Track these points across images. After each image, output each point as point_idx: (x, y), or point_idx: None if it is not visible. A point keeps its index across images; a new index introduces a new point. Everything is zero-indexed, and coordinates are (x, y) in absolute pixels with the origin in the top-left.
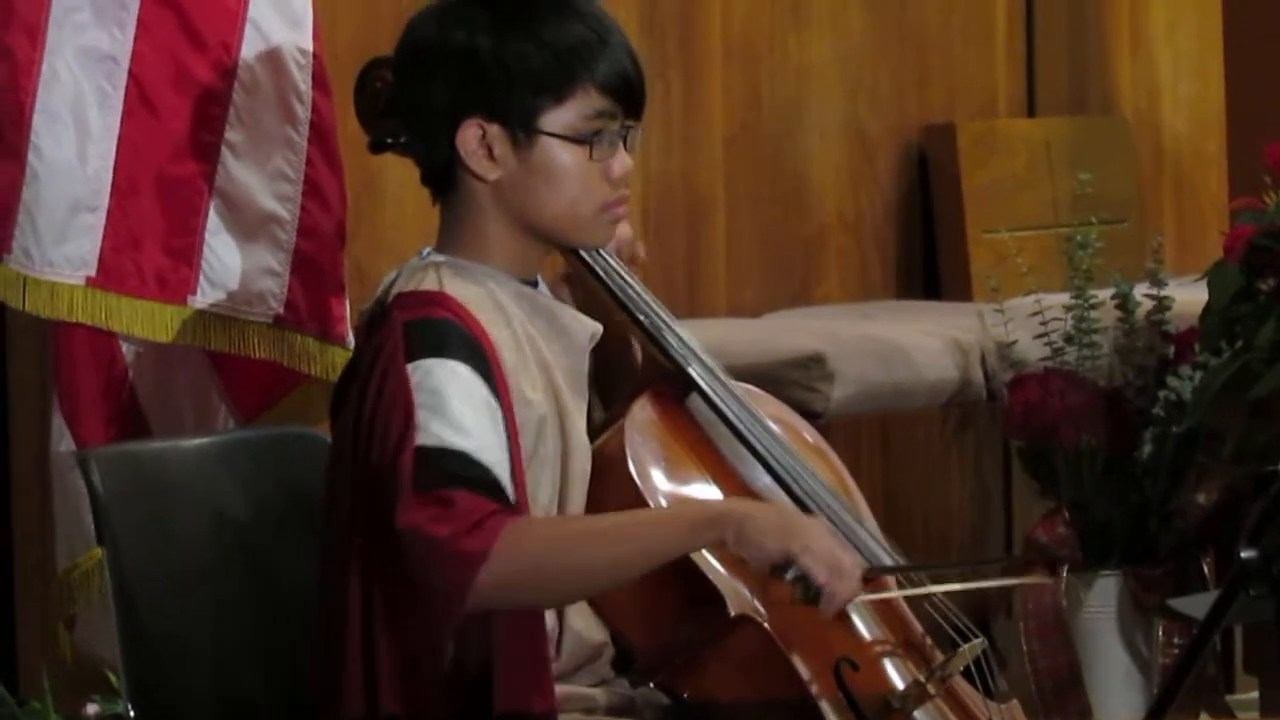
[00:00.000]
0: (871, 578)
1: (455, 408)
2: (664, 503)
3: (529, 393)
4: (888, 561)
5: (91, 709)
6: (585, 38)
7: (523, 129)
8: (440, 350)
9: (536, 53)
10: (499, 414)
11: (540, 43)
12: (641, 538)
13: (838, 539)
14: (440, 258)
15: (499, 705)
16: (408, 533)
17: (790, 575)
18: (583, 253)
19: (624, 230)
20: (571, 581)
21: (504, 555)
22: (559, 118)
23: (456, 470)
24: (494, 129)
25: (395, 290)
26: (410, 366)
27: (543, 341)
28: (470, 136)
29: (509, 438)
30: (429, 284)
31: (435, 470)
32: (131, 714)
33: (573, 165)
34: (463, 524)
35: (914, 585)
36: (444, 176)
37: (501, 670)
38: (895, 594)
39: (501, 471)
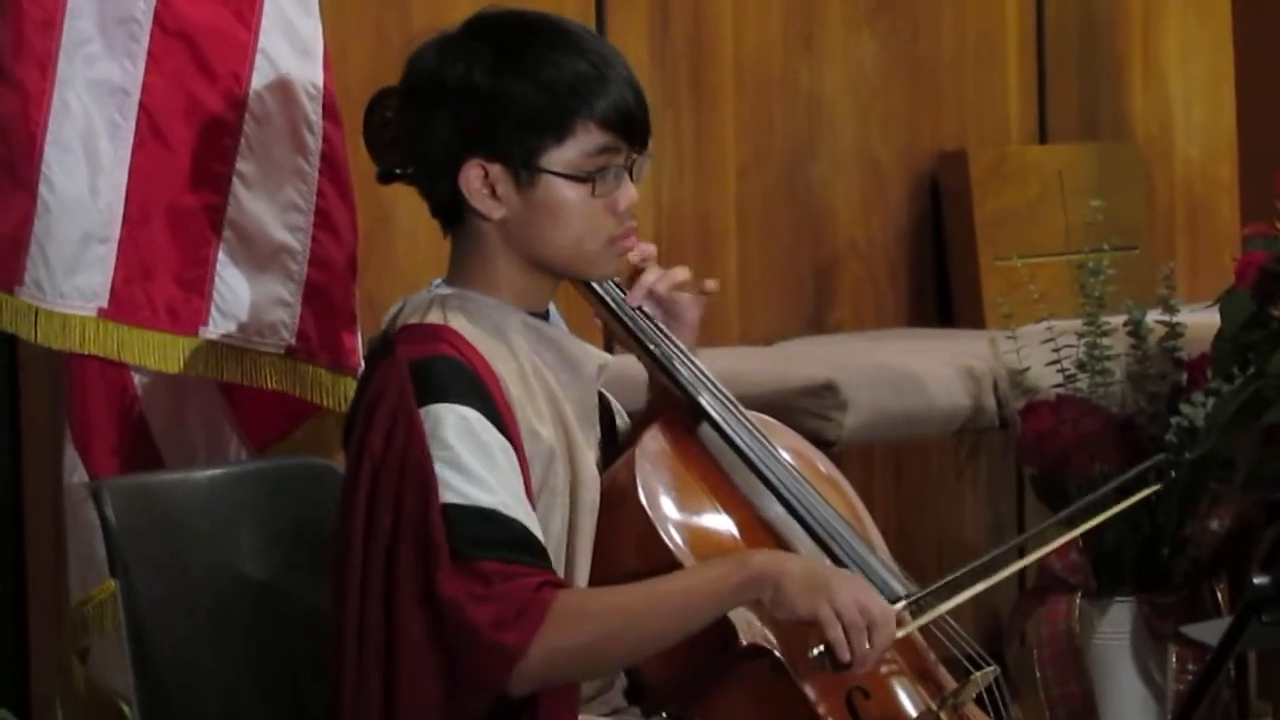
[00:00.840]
0: (912, 610)
1: (472, 459)
2: (675, 533)
3: (536, 425)
4: (901, 591)
5: None
6: (584, 74)
7: (525, 168)
8: (448, 394)
9: (535, 93)
10: (511, 454)
11: (539, 82)
12: (680, 609)
13: (868, 589)
14: (447, 290)
15: None
16: (447, 606)
17: (815, 653)
18: (594, 284)
19: (680, 273)
20: (611, 662)
21: (546, 641)
22: (561, 156)
23: (488, 534)
24: (496, 169)
25: (400, 322)
26: (422, 412)
27: (550, 373)
28: (473, 177)
29: (524, 475)
30: (433, 317)
31: (467, 535)
32: None
33: (576, 202)
34: (503, 611)
35: (941, 601)
36: (451, 212)
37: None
38: (923, 620)
39: (528, 521)
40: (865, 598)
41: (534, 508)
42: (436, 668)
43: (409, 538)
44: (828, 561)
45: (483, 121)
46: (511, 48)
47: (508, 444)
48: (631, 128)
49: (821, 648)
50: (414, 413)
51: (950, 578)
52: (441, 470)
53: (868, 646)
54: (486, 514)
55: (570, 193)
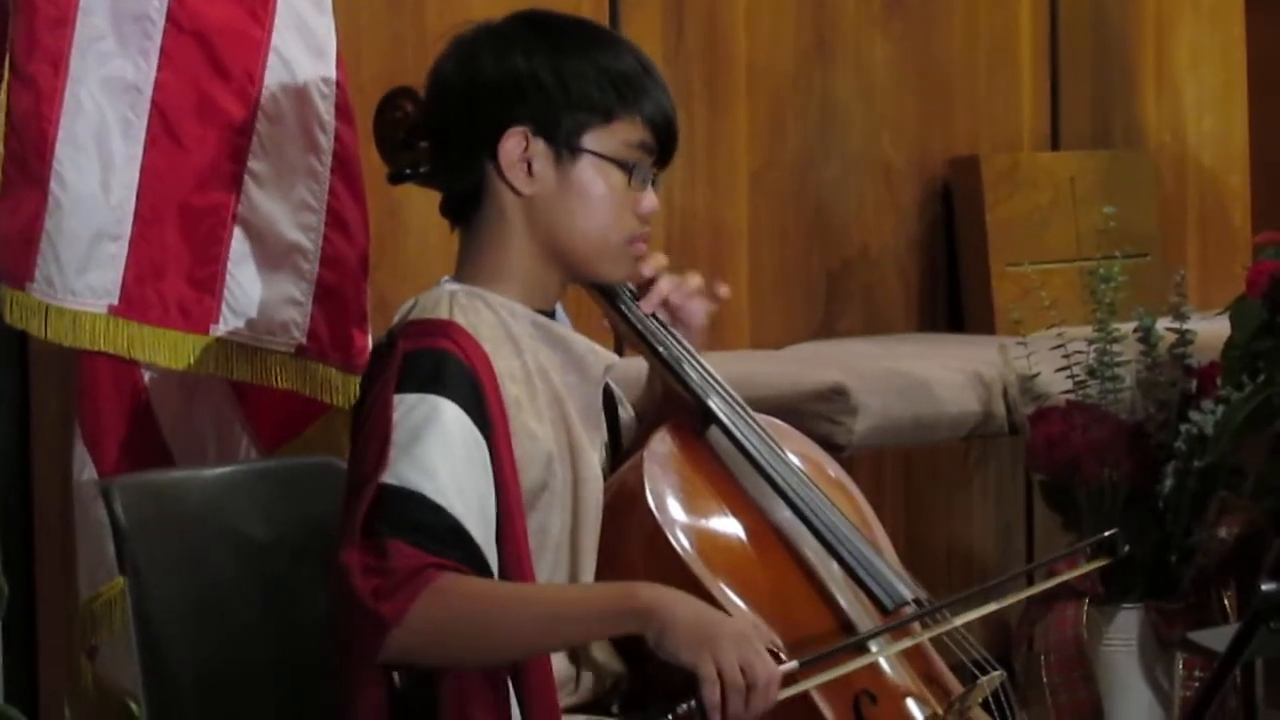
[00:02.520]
0: (805, 665)
1: (428, 448)
2: (682, 536)
3: (534, 426)
4: (908, 595)
5: None
6: (636, 72)
7: (567, 146)
8: (430, 385)
9: (593, 74)
10: (484, 454)
11: (597, 67)
12: (547, 619)
13: (756, 648)
14: (456, 286)
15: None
16: (340, 574)
17: (683, 709)
18: (605, 286)
19: (694, 280)
20: (481, 651)
21: (414, 624)
22: (604, 139)
23: (408, 515)
24: (538, 143)
25: (408, 319)
26: (397, 398)
27: (556, 372)
28: (513, 145)
29: (500, 475)
30: (441, 312)
31: (387, 514)
32: None
33: (609, 191)
34: (387, 582)
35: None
36: (471, 199)
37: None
38: (802, 686)
39: (461, 513)
40: (752, 657)
41: (530, 508)
42: (340, 648)
43: (344, 519)
44: (835, 567)
45: (536, 92)
46: (570, 33)
47: (483, 443)
48: (669, 136)
49: (693, 703)
50: (390, 399)
51: (878, 631)
52: (393, 453)
53: (744, 708)
54: (416, 499)
55: (605, 181)
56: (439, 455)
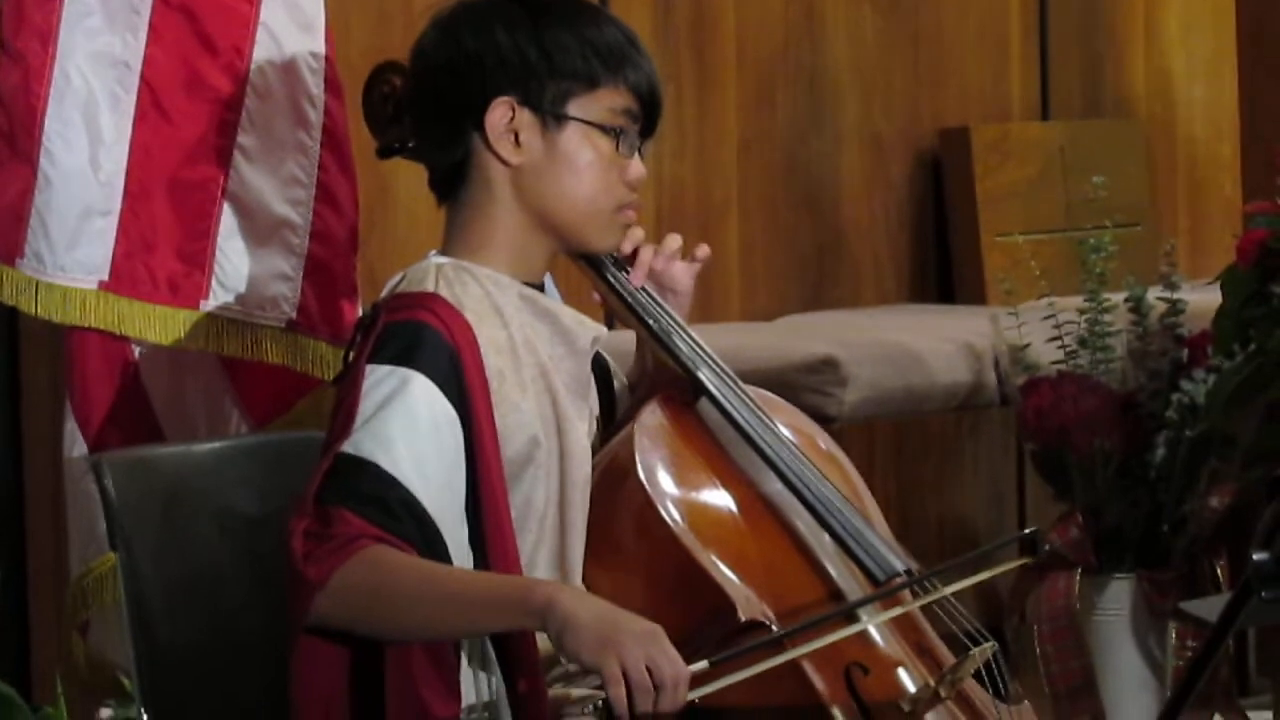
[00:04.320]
0: (716, 664)
1: (389, 420)
2: (673, 509)
3: (518, 398)
4: (900, 566)
5: (105, 714)
6: (621, 42)
7: (553, 114)
8: (403, 357)
9: (575, 44)
10: (455, 428)
11: (580, 37)
12: (461, 606)
13: (663, 647)
14: (443, 259)
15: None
16: (287, 539)
17: (589, 709)
18: (594, 258)
19: (672, 242)
20: (393, 628)
21: (338, 588)
22: (589, 106)
23: (359, 485)
24: (524, 113)
25: (395, 292)
26: (368, 369)
27: (543, 345)
28: (499, 117)
29: (477, 448)
30: (428, 285)
31: (339, 483)
32: (145, 718)
33: (596, 158)
34: (322, 547)
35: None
36: (458, 173)
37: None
38: (729, 679)
39: (421, 488)
40: (658, 656)
41: (514, 481)
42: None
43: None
44: (826, 539)
45: (518, 61)
46: (551, 7)
47: (454, 416)
48: (654, 103)
49: (599, 703)
50: (362, 369)
51: (842, 611)
52: (357, 423)
53: (652, 709)
54: (370, 469)
55: (592, 148)
56: (399, 427)
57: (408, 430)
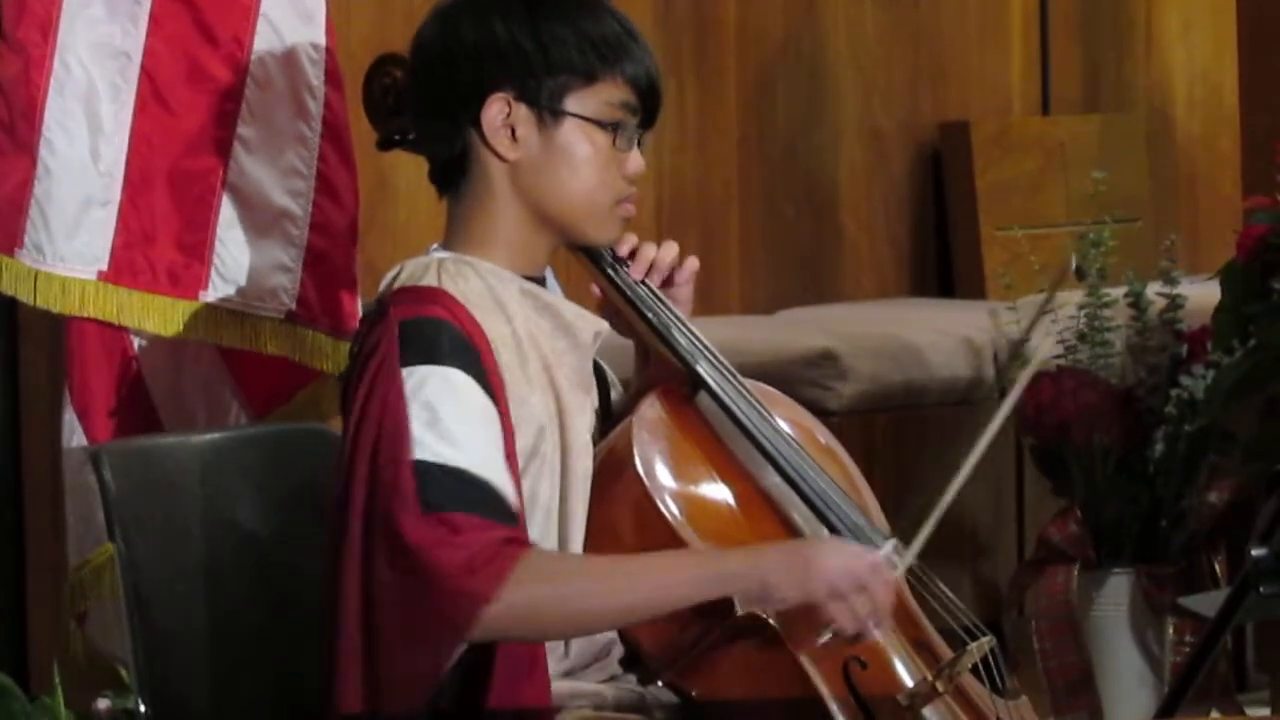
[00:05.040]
0: (905, 547)
1: (450, 421)
2: (671, 503)
3: (525, 392)
4: (895, 559)
5: (103, 704)
6: (618, 34)
7: (550, 110)
8: (435, 356)
9: (572, 38)
10: (495, 417)
11: (576, 30)
12: (650, 590)
13: (849, 549)
14: (445, 254)
15: (492, 702)
16: (415, 554)
17: (827, 635)
18: (593, 250)
19: (670, 251)
20: (577, 622)
21: (512, 593)
22: (586, 101)
23: (457, 491)
24: (520, 109)
25: (397, 286)
26: (405, 372)
27: (546, 339)
28: (496, 112)
29: (505, 440)
30: (429, 280)
31: (437, 489)
32: (143, 709)
33: (594, 153)
34: (471, 556)
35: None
36: (457, 166)
37: (498, 667)
38: (908, 560)
39: (501, 483)
40: (850, 561)
41: (522, 473)
42: (406, 625)
43: (380, 496)
44: (824, 533)
45: (516, 57)
46: (548, 2)
47: (492, 408)
48: (652, 98)
49: (830, 628)
50: (397, 372)
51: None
52: (417, 429)
53: (873, 604)
54: (456, 472)
55: (589, 142)
56: (460, 426)
57: (469, 427)
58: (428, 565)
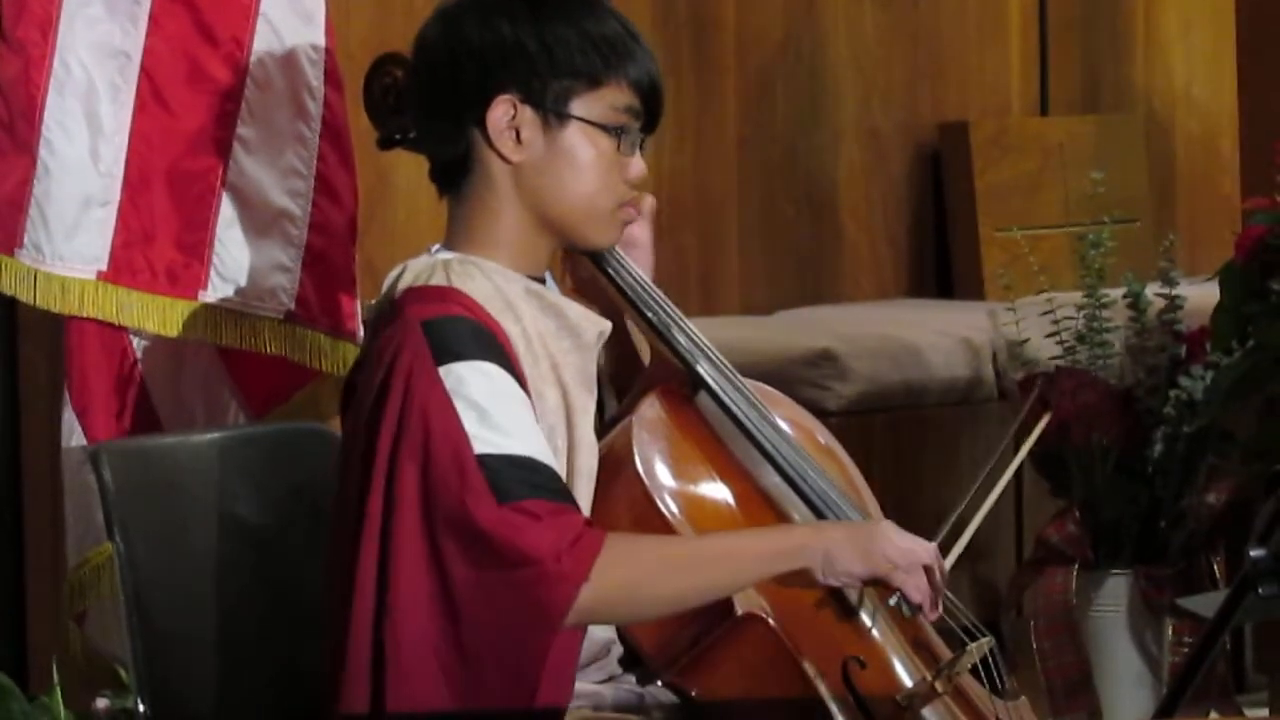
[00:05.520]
0: (950, 543)
1: (498, 413)
2: (670, 502)
3: (540, 387)
4: None
5: (102, 704)
6: (621, 36)
7: (555, 112)
8: (466, 352)
9: (577, 39)
10: (530, 406)
11: (581, 32)
12: (729, 566)
13: (904, 532)
14: (449, 254)
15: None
16: (501, 543)
17: (893, 601)
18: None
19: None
20: (662, 604)
21: (603, 575)
22: (591, 105)
23: (526, 478)
24: (526, 111)
25: (402, 286)
26: (442, 371)
27: (551, 339)
28: (501, 114)
29: None
30: (438, 279)
31: (507, 479)
32: (142, 709)
33: (598, 156)
34: (560, 539)
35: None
36: (459, 167)
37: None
38: (958, 551)
39: (555, 465)
40: (908, 542)
41: None
42: (498, 621)
43: (444, 495)
44: None
45: (522, 59)
46: (555, 1)
47: (526, 398)
48: (655, 100)
49: (895, 596)
50: (433, 372)
51: (974, 495)
52: (470, 425)
53: (929, 582)
54: (521, 461)
55: (593, 146)
56: (510, 417)
57: (516, 416)
58: (516, 553)
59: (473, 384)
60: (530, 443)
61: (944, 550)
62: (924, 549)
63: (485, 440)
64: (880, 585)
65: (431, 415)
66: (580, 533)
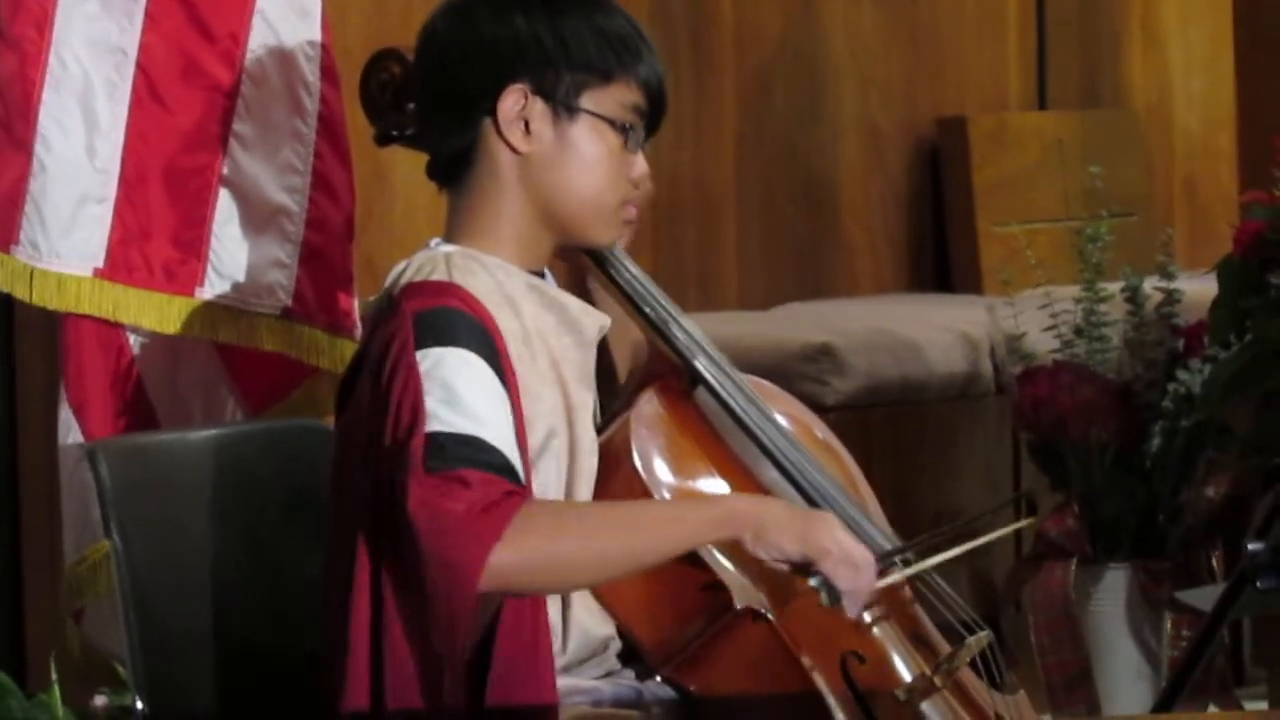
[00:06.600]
0: (884, 565)
1: (467, 396)
2: (668, 496)
3: (537, 387)
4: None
5: (100, 701)
6: (631, 35)
7: (565, 105)
8: (450, 339)
9: (591, 35)
10: (509, 404)
11: (594, 27)
12: (656, 529)
13: (850, 533)
14: (450, 248)
15: (492, 698)
16: (418, 511)
17: (814, 582)
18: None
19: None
20: (584, 568)
21: (519, 535)
22: (602, 100)
23: (469, 454)
24: (536, 103)
25: (404, 281)
26: (420, 354)
27: (552, 335)
28: (511, 104)
29: (517, 429)
30: (438, 275)
31: (447, 454)
32: (140, 706)
33: (606, 152)
34: (478, 501)
35: (919, 560)
36: (464, 159)
37: (498, 663)
38: (902, 575)
39: (515, 458)
40: (848, 540)
41: (532, 469)
42: (421, 594)
43: (394, 472)
44: None
45: (534, 50)
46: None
47: (505, 395)
48: (661, 100)
49: (819, 579)
50: (411, 355)
51: (937, 534)
52: (432, 404)
53: (855, 584)
54: (468, 439)
55: (601, 143)
56: (479, 402)
57: (486, 402)
58: (434, 517)
59: (448, 366)
60: (490, 429)
61: (884, 570)
62: (860, 551)
63: (442, 420)
64: (807, 570)
65: (403, 397)
66: (500, 498)
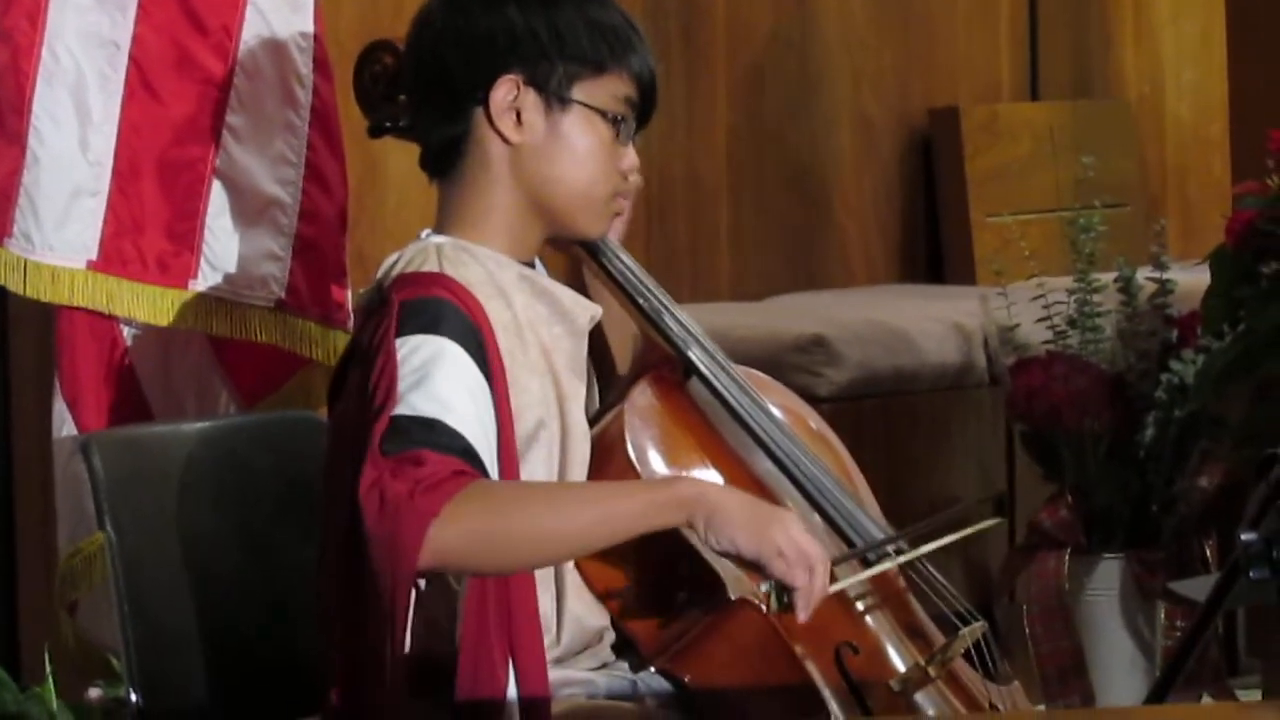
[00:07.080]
0: (838, 563)
1: (437, 383)
2: None
3: (526, 379)
4: (889, 548)
5: (94, 694)
6: (624, 27)
7: (558, 96)
8: (431, 328)
9: (584, 26)
10: (488, 397)
11: (587, 19)
12: (602, 507)
13: (806, 529)
14: (441, 239)
15: (463, 692)
16: (367, 493)
17: (764, 587)
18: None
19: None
20: (525, 545)
21: (458, 510)
22: (594, 91)
23: (426, 437)
24: (529, 93)
25: (395, 273)
26: (399, 341)
27: (543, 325)
28: (504, 94)
29: (498, 422)
30: (429, 265)
31: (404, 436)
32: (134, 698)
33: (597, 144)
34: (423, 481)
35: (886, 558)
36: (455, 149)
37: (465, 658)
38: (855, 579)
39: (480, 444)
40: (804, 539)
41: (521, 459)
42: (371, 573)
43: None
44: (816, 519)
45: (528, 41)
46: None
47: (485, 388)
48: (652, 94)
49: (771, 583)
50: (392, 342)
51: (903, 535)
52: (402, 387)
53: (810, 583)
54: (429, 422)
55: (593, 134)
56: (449, 388)
57: (457, 390)
58: (378, 497)
59: (424, 354)
60: (454, 415)
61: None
62: (816, 551)
63: (410, 404)
64: (757, 569)
65: (379, 382)
66: (449, 476)
